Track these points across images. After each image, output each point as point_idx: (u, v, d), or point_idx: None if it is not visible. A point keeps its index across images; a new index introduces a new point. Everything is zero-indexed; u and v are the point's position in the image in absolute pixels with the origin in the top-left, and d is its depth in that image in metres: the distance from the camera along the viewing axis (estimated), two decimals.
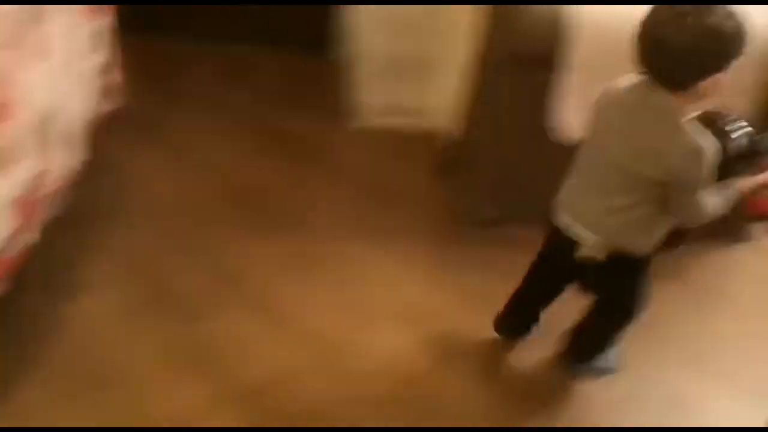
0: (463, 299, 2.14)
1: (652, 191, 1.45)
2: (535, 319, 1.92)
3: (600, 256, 1.56)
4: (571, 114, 2.17)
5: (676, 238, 1.57)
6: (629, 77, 1.47)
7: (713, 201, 1.46)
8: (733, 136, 1.45)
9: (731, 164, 1.45)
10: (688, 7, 1.29)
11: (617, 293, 1.71)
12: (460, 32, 2.47)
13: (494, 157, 2.37)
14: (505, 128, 2.29)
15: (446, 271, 2.26)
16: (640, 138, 1.41)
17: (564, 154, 2.23)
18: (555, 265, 1.76)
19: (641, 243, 1.55)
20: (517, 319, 1.92)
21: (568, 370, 1.91)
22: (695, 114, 1.44)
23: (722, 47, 1.31)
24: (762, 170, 1.51)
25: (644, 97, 1.41)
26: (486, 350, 2.00)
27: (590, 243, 1.56)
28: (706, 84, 1.34)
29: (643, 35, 1.35)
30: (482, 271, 2.24)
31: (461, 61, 2.46)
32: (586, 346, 1.86)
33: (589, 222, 1.56)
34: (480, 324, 2.04)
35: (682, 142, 1.37)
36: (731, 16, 1.29)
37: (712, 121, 1.44)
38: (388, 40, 2.68)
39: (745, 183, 1.51)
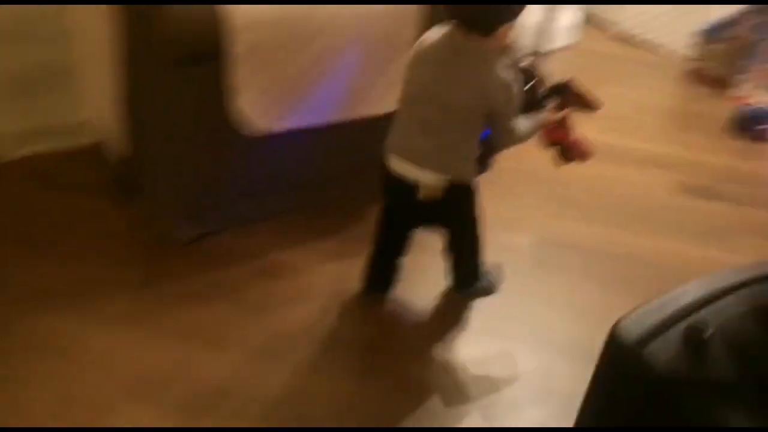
0: (188, 342, 1.86)
1: (474, 125, 1.69)
2: (395, 270, 2.02)
3: (439, 193, 1.73)
4: (250, 104, 1.95)
5: (486, 160, 1.90)
6: (438, 29, 1.68)
7: (524, 127, 1.75)
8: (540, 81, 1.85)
9: (537, 102, 1.83)
10: None
11: (461, 221, 1.88)
12: (95, 33, 2.06)
13: (178, 166, 2.05)
14: (182, 132, 1.99)
15: (158, 317, 1.92)
16: (461, 78, 1.63)
17: (254, 145, 2.04)
18: (400, 212, 1.90)
19: (469, 171, 1.77)
20: (380, 274, 2.02)
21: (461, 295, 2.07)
22: (518, 65, 1.79)
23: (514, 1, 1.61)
24: (559, 109, 1.86)
25: (459, 43, 1.63)
26: (242, 390, 1.78)
27: (429, 182, 1.72)
28: (504, 30, 1.61)
29: None
30: (197, 300, 1.97)
31: (108, 66, 2.07)
32: (462, 275, 2.02)
33: (424, 163, 1.72)
34: (218, 363, 1.81)
35: (495, 78, 1.63)
36: None
37: (526, 71, 1.81)
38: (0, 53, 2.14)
39: (545, 117, 1.83)
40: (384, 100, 2.05)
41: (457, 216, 1.87)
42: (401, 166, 1.75)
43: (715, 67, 3.61)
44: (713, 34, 3.60)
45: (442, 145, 1.69)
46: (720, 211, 2.66)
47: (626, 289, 2.19)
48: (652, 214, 2.61)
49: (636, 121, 3.26)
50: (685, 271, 2.30)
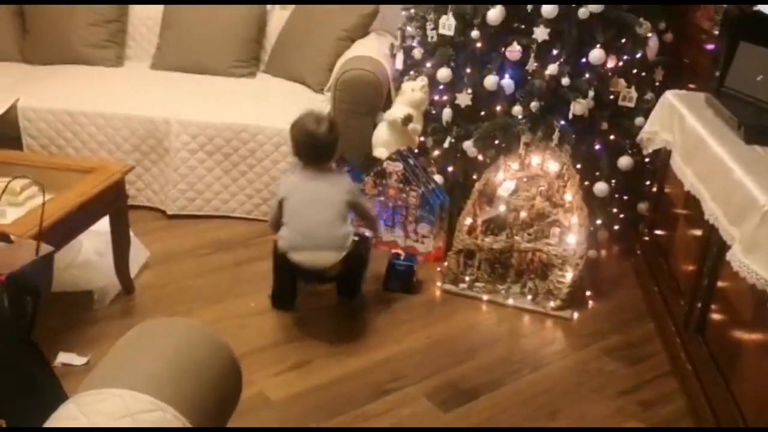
0: None
1: (346, 212, 2.54)
2: (294, 293, 2.71)
3: (340, 264, 2.50)
4: None
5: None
6: (292, 170, 2.63)
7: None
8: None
9: None
10: (315, 117, 2.51)
11: (356, 268, 2.67)
12: None
13: None
14: None
15: None
16: (332, 189, 2.52)
17: None
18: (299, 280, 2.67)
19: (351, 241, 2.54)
20: (284, 297, 2.70)
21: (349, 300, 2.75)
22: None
23: (337, 138, 2.54)
24: None
25: (317, 173, 2.53)
26: None
27: (333, 261, 2.48)
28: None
29: (302, 138, 2.51)
30: None
31: None
32: (354, 288, 2.76)
33: (328, 248, 2.47)
34: None
35: (346, 181, 2.60)
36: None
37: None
38: None
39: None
40: None
41: (354, 266, 2.62)
42: (305, 258, 2.48)
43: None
44: None
45: (336, 233, 2.46)
46: None
47: None
48: None
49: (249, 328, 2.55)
50: None
